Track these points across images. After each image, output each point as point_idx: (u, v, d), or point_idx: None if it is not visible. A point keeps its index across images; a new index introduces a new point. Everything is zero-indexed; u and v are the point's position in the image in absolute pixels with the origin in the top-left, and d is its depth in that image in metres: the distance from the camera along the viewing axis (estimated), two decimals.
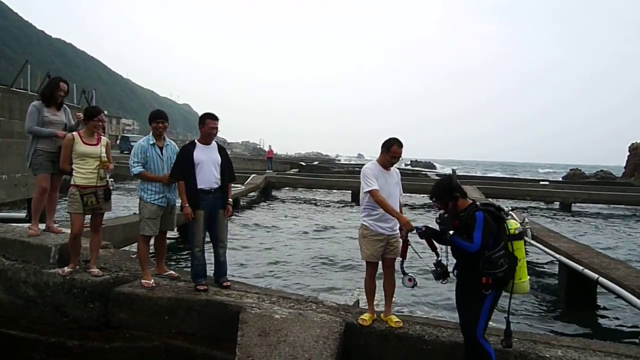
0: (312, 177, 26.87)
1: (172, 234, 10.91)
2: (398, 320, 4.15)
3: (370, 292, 4.32)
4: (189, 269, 5.02)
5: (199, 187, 4.65)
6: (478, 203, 3.69)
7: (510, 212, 3.67)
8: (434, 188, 3.80)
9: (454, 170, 3.95)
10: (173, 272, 5.18)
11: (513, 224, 3.52)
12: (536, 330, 5.99)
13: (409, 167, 61.03)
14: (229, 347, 3.93)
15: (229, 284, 4.96)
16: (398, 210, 4.24)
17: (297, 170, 34.99)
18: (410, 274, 4.04)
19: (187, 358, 4.23)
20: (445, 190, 3.67)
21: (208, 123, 4.77)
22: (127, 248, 7.32)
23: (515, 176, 50.92)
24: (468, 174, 42.76)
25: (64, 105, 5.34)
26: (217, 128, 4.81)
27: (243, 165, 36.09)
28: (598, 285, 6.76)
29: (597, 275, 6.58)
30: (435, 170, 53.23)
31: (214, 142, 4.92)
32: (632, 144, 36.66)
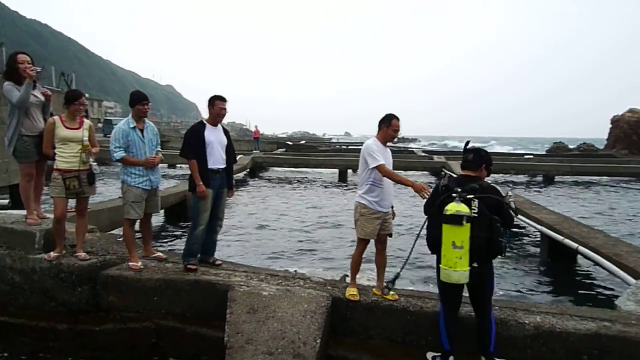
0: (299, 157, 26.90)
1: (159, 216, 10.94)
2: (394, 293, 4.24)
3: (357, 268, 4.40)
4: (177, 250, 5.06)
5: (209, 166, 4.74)
6: (465, 176, 3.74)
7: (457, 194, 3.46)
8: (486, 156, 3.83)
9: (466, 142, 4.02)
10: (161, 254, 5.22)
11: (450, 207, 3.40)
12: (519, 297, 6.19)
13: (398, 144, 61.59)
14: (218, 325, 4.00)
15: (220, 262, 5.05)
16: (392, 189, 4.35)
17: (284, 150, 34.93)
18: None
19: (177, 337, 4.30)
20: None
21: (217, 104, 4.83)
22: (114, 232, 7.31)
23: (501, 150, 51.48)
24: (455, 150, 43.12)
25: (37, 84, 5.11)
26: (225, 109, 4.89)
27: None
28: (578, 254, 6.98)
29: (576, 245, 6.79)
30: (419, 146, 53.71)
31: (219, 124, 4.97)
32: (614, 116, 37.16)
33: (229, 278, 4.57)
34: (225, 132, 5.07)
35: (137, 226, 5.02)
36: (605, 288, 6.86)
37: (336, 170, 23.03)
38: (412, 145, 61.89)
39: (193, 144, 4.76)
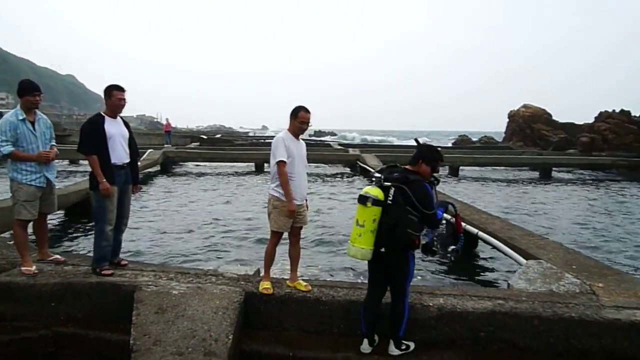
0: (214, 151, 26.23)
1: (58, 215, 10.14)
2: (307, 284, 4.28)
3: (270, 261, 4.39)
4: (75, 251, 4.72)
5: (112, 162, 4.44)
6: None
7: (373, 179, 3.79)
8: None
9: (415, 139, 4.16)
10: (59, 257, 4.84)
11: (365, 189, 3.68)
12: (426, 282, 6.54)
13: (313, 137, 62.52)
14: (124, 328, 3.79)
15: (126, 262, 4.82)
16: (306, 181, 4.40)
17: (198, 143, 33.88)
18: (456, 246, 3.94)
19: (79, 344, 4.01)
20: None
21: (115, 95, 4.51)
22: (4, 235, 6.65)
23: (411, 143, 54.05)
24: (371, 143, 44.65)
25: None
26: (124, 99, 4.58)
27: (139, 141, 33.47)
28: (478, 239, 7.52)
29: (476, 230, 7.31)
30: (335, 139, 54.95)
31: (119, 116, 4.67)
32: (511, 111, 40.44)
33: (136, 278, 4.35)
34: (126, 124, 4.79)
35: (30, 228, 4.61)
36: (501, 269, 7.46)
37: (253, 164, 22.84)
38: (328, 139, 63.06)
39: (92, 138, 4.43)
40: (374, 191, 3.59)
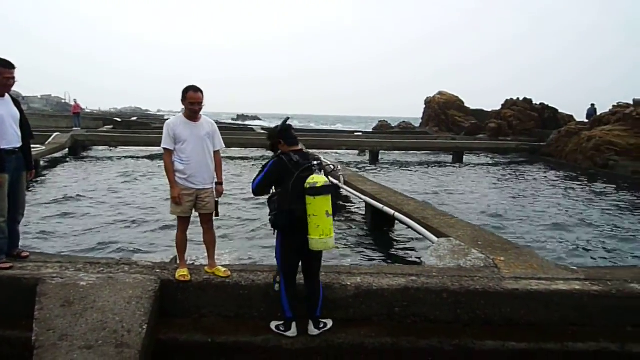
0: (128, 134, 24.88)
1: None
2: (226, 269, 4.21)
3: (183, 248, 4.26)
4: None
5: (2, 147, 4.02)
6: (289, 152, 3.80)
7: (314, 167, 3.63)
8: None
9: (286, 118, 4.05)
10: None
11: (309, 179, 3.51)
12: (346, 262, 6.71)
13: (238, 121, 61.68)
14: (27, 324, 3.51)
15: (27, 254, 4.46)
16: (212, 165, 4.23)
17: (111, 127, 31.95)
18: None
19: None
20: (270, 135, 3.97)
21: (1, 72, 4.05)
22: None
23: (334, 128, 54.88)
24: (296, 128, 44.64)
25: None
26: (14, 78, 4.14)
27: (45, 123, 31.59)
28: (395, 220, 7.83)
29: (393, 211, 7.61)
30: (261, 123, 54.55)
31: (7, 95, 4.21)
32: (427, 97, 42.21)
33: (39, 270, 4.04)
34: (16, 102, 4.34)
35: None
36: (415, 247, 7.84)
37: None
38: (252, 123, 62.46)
39: None
40: (325, 178, 3.57)
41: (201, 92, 4.10)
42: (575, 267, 4.93)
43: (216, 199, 4.28)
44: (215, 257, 4.37)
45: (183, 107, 4.17)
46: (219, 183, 4.34)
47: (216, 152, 4.30)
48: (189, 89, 4.08)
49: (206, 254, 4.38)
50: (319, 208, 3.49)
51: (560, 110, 32.51)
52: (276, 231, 3.79)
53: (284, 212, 3.62)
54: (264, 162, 3.99)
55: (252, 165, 18.63)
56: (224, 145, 4.40)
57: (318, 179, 3.51)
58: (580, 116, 27.70)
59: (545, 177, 18.23)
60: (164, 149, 4.12)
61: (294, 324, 3.81)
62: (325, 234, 3.52)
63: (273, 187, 3.84)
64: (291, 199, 3.57)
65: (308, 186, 3.48)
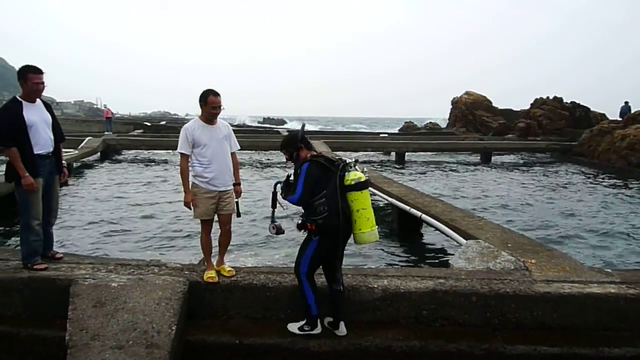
0: (158, 138, 25.33)
1: None
2: (231, 269, 4.24)
3: (208, 250, 4.31)
4: (15, 247, 4.43)
5: (35, 152, 4.11)
6: (317, 154, 3.82)
7: (351, 164, 3.71)
8: (282, 139, 4.01)
9: (303, 124, 4.07)
10: None
11: (351, 175, 3.59)
12: (374, 264, 6.67)
13: (264, 125, 62.44)
14: (60, 324, 3.63)
15: (61, 255, 4.58)
16: (231, 166, 4.28)
17: (141, 131, 32.64)
18: (277, 222, 3.90)
19: (9, 343, 3.79)
20: (290, 141, 3.90)
21: (31, 78, 4.14)
22: None
23: (359, 130, 54.80)
24: (321, 130, 44.88)
25: None
26: (43, 83, 4.22)
27: (77, 128, 32.58)
28: (422, 222, 7.74)
29: (420, 213, 7.52)
30: (286, 127, 55.00)
31: (38, 100, 4.32)
32: (454, 98, 41.65)
33: (72, 272, 4.16)
34: (47, 106, 4.43)
35: None
36: (443, 250, 7.73)
37: None
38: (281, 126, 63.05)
39: (10, 128, 4.04)
40: (362, 174, 3.67)
41: (219, 95, 4.16)
42: (610, 270, 4.77)
43: (236, 200, 4.33)
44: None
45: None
46: (237, 184, 4.39)
47: (233, 154, 4.37)
48: (209, 92, 4.13)
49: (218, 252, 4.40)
50: (366, 201, 3.63)
51: (592, 109, 31.51)
52: (312, 236, 3.68)
53: (337, 213, 3.57)
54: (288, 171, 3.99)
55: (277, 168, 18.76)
56: (239, 147, 4.48)
57: (359, 174, 3.63)
58: (614, 114, 26.74)
59: (577, 177, 17.72)
60: (181, 153, 4.16)
61: (319, 322, 3.81)
62: (371, 226, 3.64)
63: None
64: (340, 198, 3.60)
65: (353, 182, 3.58)
